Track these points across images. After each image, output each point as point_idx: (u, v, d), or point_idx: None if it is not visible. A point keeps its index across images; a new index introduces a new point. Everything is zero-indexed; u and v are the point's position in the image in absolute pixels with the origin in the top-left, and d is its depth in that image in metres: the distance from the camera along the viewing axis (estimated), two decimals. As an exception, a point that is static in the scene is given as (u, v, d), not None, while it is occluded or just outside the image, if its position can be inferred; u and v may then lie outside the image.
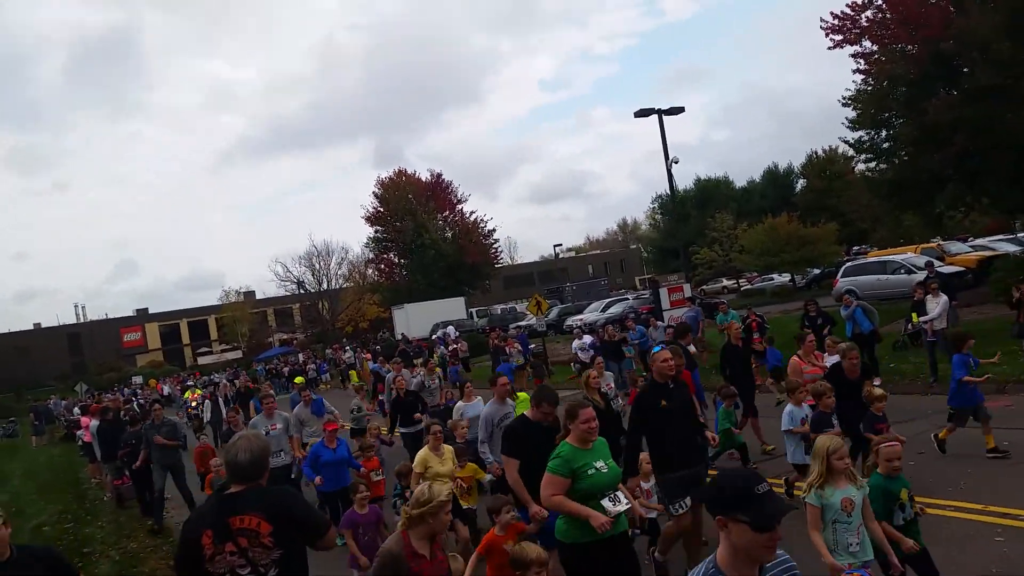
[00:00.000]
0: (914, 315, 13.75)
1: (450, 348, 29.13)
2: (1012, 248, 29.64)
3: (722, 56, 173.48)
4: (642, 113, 24.52)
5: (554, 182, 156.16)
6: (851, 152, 29.52)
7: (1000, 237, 35.24)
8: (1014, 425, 9.44)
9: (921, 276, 26.31)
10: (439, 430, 7.91)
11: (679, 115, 25.32)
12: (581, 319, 35.44)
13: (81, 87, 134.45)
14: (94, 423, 15.72)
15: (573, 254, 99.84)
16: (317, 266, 57.78)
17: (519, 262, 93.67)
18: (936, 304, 13.27)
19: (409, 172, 57.39)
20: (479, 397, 10.15)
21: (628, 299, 38.59)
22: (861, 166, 32.85)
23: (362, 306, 59.17)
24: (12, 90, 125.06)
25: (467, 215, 56.90)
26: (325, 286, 58.56)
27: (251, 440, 3.74)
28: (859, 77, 24.39)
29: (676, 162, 25.34)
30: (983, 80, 19.43)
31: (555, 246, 63.40)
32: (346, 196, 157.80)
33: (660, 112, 24.62)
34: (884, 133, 25.09)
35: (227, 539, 3.47)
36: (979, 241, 34.60)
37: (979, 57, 19.61)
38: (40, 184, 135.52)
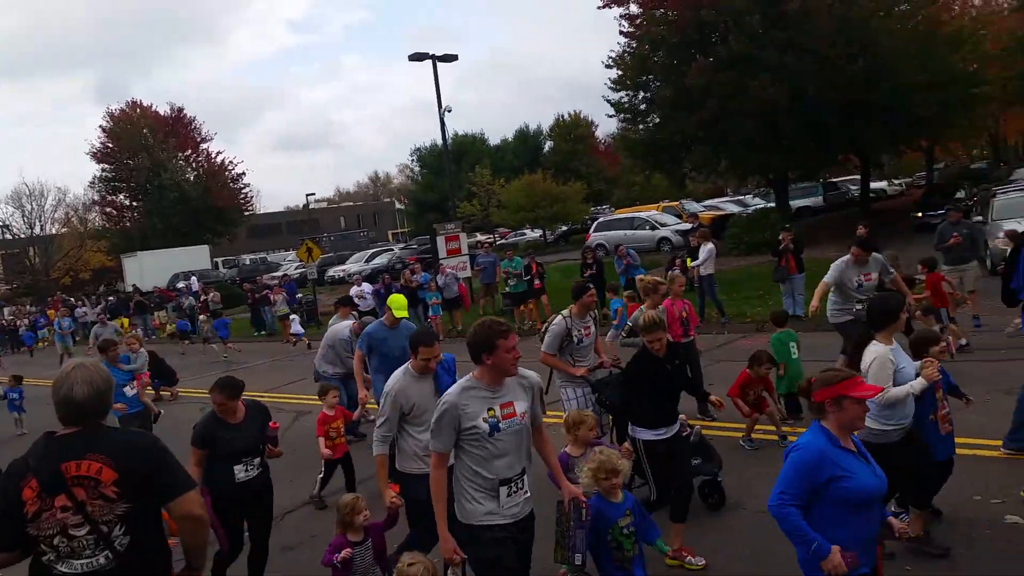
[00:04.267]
0: (688, 259, 14.86)
1: (201, 299, 26.75)
2: (736, 208, 33.53)
3: (471, 16, 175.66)
4: (416, 57, 23.75)
5: (301, 130, 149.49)
6: (591, 117, 31.19)
7: (726, 199, 39.75)
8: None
9: (663, 232, 29.06)
10: None
11: (451, 62, 24.99)
12: (344, 269, 34.90)
13: None
14: None
15: (324, 205, 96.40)
16: (28, 207, 50.23)
17: (264, 211, 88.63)
18: (704, 251, 14.38)
19: (145, 105, 51.40)
20: None
21: (394, 249, 38.22)
22: (613, 127, 34.85)
23: (83, 254, 52.45)
24: None
25: (213, 156, 52.33)
26: (37, 231, 51.19)
27: (89, 369, 3.04)
28: (623, 40, 25.73)
29: (449, 111, 25.07)
30: (735, 48, 21.28)
31: (308, 195, 60.76)
32: (64, 133, 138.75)
33: (434, 58, 23.99)
34: (642, 95, 26.76)
35: (58, 491, 2.83)
36: (709, 202, 38.80)
37: (732, 25, 21.41)
38: None
